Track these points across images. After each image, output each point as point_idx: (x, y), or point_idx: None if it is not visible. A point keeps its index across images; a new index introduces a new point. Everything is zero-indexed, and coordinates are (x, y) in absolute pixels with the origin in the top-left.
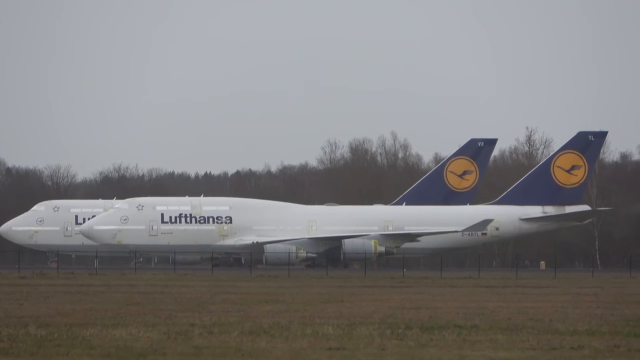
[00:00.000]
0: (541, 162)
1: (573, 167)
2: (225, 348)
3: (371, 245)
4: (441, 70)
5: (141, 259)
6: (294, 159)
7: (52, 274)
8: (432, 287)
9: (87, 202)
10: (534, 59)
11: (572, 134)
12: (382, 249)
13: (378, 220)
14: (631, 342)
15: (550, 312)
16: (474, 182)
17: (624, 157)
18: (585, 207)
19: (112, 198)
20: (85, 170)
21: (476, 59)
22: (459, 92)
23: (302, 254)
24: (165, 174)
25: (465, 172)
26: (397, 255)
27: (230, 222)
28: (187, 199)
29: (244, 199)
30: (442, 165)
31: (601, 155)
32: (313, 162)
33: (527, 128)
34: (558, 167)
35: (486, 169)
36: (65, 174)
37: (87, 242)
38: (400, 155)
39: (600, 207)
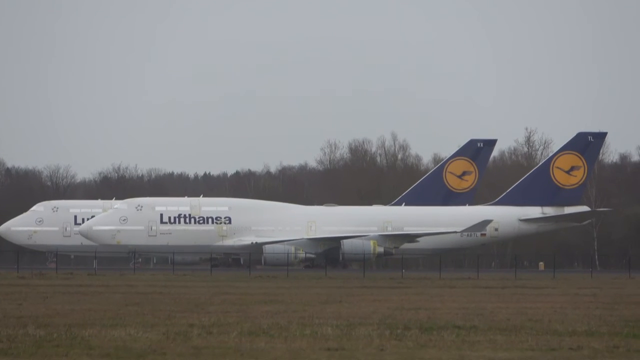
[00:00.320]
0: (540, 163)
1: (572, 168)
2: (224, 348)
3: (370, 245)
4: (441, 71)
5: (140, 260)
6: (294, 160)
7: (51, 274)
8: (431, 288)
9: (86, 202)
10: (534, 60)
11: (571, 134)
12: (381, 249)
13: (377, 221)
14: (630, 343)
15: (549, 313)
16: (473, 182)
17: (623, 158)
18: (584, 208)
19: (111, 198)
20: (84, 170)
21: (476, 59)
22: (459, 92)
23: (301, 254)
24: (164, 174)
25: (464, 173)
26: (396, 256)
27: (230, 222)
28: (186, 199)
29: (243, 199)
30: (441, 165)
31: (600, 156)
32: (312, 163)
33: (526, 129)
34: (557, 168)
35: (485, 170)
36: (65, 174)
37: (86, 242)
38: (399, 156)
39: (600, 208)
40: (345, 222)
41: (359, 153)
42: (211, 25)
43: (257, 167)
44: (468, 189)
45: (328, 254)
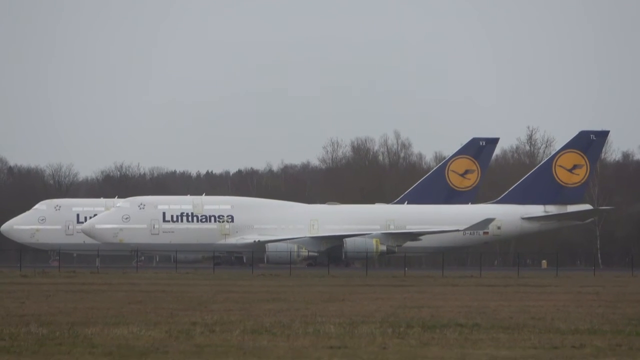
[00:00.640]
0: (543, 162)
1: (575, 167)
2: (226, 347)
3: (373, 244)
4: (442, 71)
5: (143, 258)
6: (296, 158)
7: (53, 272)
8: (434, 286)
9: (89, 200)
10: (536, 58)
11: (573, 133)
12: (383, 247)
13: (380, 219)
14: (632, 341)
15: (551, 311)
16: (476, 181)
17: (626, 156)
18: (586, 206)
19: (113, 197)
20: (87, 169)
21: (478, 58)
22: (461, 91)
23: (304, 252)
24: (167, 172)
25: (467, 171)
26: (399, 254)
27: (232, 220)
28: (188, 197)
29: (246, 197)
30: (443, 164)
31: (603, 154)
32: (315, 161)
33: (528, 127)
34: (560, 166)
35: (488, 168)
36: (67, 173)
37: (89, 240)
38: (402, 154)
39: (602, 206)
40: (347, 220)
41: (361, 151)
42: (212, 25)
43: (260, 165)
44: (470, 188)
45: (331, 252)
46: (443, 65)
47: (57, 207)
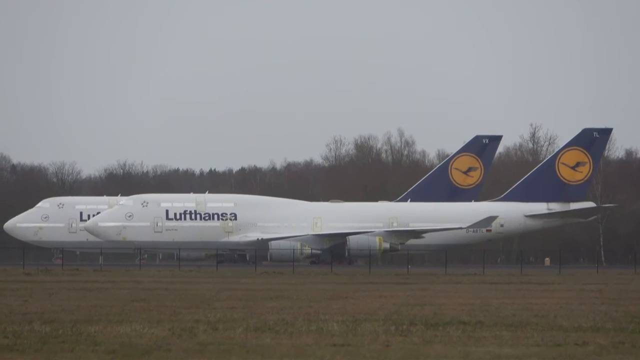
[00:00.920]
0: (546, 159)
1: (578, 164)
2: (230, 344)
3: (376, 241)
4: (445, 68)
5: (146, 256)
6: (299, 156)
7: (56, 270)
8: (437, 284)
9: (92, 198)
10: (539, 56)
11: (576, 130)
12: (386, 245)
13: (383, 217)
14: (636, 339)
15: (554, 309)
16: (479, 178)
17: (629, 153)
18: (590, 204)
19: (116, 195)
20: (90, 167)
21: (480, 56)
22: (464, 89)
23: (307, 250)
24: (170, 170)
25: (470, 169)
26: (402, 252)
27: (235, 218)
28: (191, 195)
29: (249, 195)
30: (447, 162)
31: (606, 152)
32: (318, 159)
33: (531, 125)
34: (563, 163)
35: (491, 166)
36: (70, 171)
37: (92, 238)
38: (405, 152)
39: (605, 203)
40: (350, 218)
41: (364, 149)
42: (213, 24)
43: (263, 163)
44: (473, 185)
45: (334, 250)
46: (446, 64)
47: (60, 205)
